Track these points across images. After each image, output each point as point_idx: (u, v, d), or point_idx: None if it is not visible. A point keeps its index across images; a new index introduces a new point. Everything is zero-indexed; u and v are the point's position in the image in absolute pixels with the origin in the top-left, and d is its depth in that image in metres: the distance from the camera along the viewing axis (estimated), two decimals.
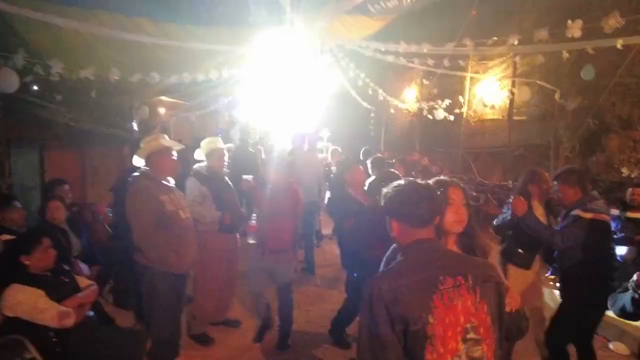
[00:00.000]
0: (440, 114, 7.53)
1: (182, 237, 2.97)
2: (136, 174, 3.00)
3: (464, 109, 7.93)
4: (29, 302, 2.25)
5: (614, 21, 2.90)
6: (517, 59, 6.38)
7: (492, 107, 7.27)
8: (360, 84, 7.92)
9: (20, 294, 2.25)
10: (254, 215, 3.69)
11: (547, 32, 3.42)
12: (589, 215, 2.63)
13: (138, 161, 2.99)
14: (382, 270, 1.54)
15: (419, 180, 1.51)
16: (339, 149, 7.88)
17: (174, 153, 3.05)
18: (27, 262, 2.35)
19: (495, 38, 4.00)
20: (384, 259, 1.72)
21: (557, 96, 5.46)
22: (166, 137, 3.08)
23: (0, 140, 5.08)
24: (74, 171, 6.87)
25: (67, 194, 4.27)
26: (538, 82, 5.78)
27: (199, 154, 3.68)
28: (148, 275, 2.88)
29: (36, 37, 3.98)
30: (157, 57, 4.73)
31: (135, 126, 7.66)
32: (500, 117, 7.40)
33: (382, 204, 1.46)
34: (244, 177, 3.64)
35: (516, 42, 3.75)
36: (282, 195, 3.46)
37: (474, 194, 7.09)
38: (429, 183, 1.52)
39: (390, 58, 6.20)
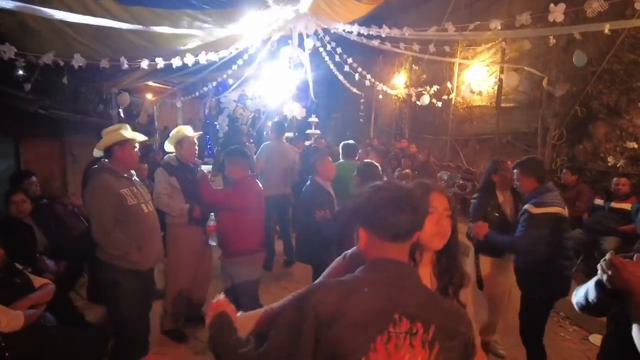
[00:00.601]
0: (425, 100, 7.36)
1: (145, 232, 2.85)
2: (95, 166, 2.86)
3: (452, 96, 7.78)
4: None
5: (597, 4, 2.77)
6: (505, 44, 6.25)
7: (480, 93, 7.12)
8: (347, 69, 7.74)
9: None
10: (212, 213, 3.57)
11: (529, 16, 3.28)
12: (538, 211, 2.62)
13: (97, 152, 2.86)
14: (332, 279, 1.21)
15: (402, 183, 1.27)
16: (319, 134, 7.72)
17: (136, 145, 2.92)
18: None
19: (478, 22, 3.84)
20: (338, 259, 1.49)
21: (544, 83, 5.32)
22: (128, 127, 2.94)
23: None
24: (54, 161, 6.70)
25: (34, 186, 4.13)
26: (526, 68, 5.63)
27: (167, 145, 3.54)
28: (110, 272, 2.77)
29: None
30: (129, 41, 4.54)
31: (118, 113, 7.48)
32: (489, 104, 7.27)
33: (352, 206, 1.22)
34: (201, 167, 3.46)
35: (499, 27, 3.59)
36: (242, 189, 3.27)
37: (461, 181, 7.01)
38: (413, 188, 1.23)
39: (375, 43, 6.02)
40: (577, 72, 5.29)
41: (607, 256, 1.37)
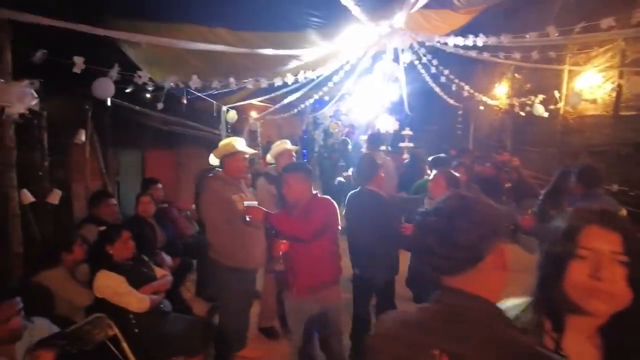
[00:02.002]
0: (538, 109, 6.88)
1: (252, 235, 3.13)
2: (211, 174, 3.25)
3: (561, 105, 7.15)
4: (112, 286, 2.57)
5: None
6: (625, 45, 5.61)
7: (594, 101, 6.42)
8: (443, 80, 7.59)
9: (106, 279, 2.58)
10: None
11: None
12: None
13: (213, 160, 3.25)
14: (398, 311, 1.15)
15: (484, 200, 1.01)
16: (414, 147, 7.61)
17: (246, 156, 3.25)
18: (110, 252, 2.68)
19: (584, 23, 3.54)
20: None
21: None
22: (240, 140, 3.28)
23: (111, 143, 5.80)
24: (169, 170, 7.63)
25: (159, 192, 4.75)
26: None
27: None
28: (219, 270, 3.10)
29: (134, 51, 4.51)
30: (236, 64, 5.04)
31: (227, 128, 8.27)
32: (604, 112, 6.52)
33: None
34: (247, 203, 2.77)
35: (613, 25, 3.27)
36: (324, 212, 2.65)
37: None
38: (481, 201, 0.98)
39: (473, 53, 5.84)
40: None
41: None
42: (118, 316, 2.54)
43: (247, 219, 2.68)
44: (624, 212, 3.20)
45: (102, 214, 3.66)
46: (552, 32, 3.65)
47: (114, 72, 3.45)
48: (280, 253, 2.55)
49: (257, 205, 2.69)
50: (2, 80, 2.69)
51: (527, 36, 3.97)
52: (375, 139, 5.79)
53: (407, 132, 9.18)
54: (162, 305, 2.84)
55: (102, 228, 3.22)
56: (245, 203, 2.73)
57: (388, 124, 7.26)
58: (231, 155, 3.15)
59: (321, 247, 2.57)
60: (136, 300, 2.59)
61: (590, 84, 6.60)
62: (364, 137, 9.38)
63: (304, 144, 14.60)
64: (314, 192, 2.75)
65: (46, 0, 3.33)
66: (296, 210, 2.66)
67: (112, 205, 3.78)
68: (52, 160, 4.24)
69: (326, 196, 2.83)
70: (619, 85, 5.96)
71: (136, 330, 2.61)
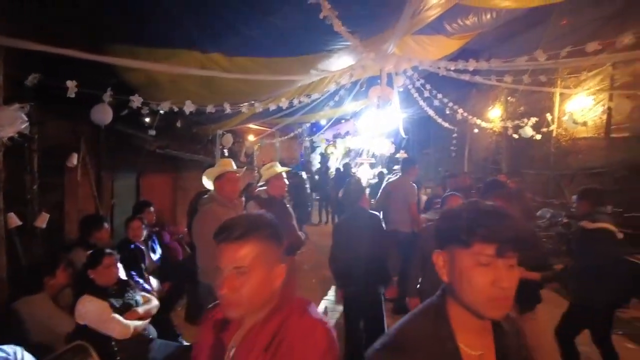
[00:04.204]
0: (528, 132, 6.95)
1: None
2: (205, 196, 3.24)
3: (553, 127, 7.21)
4: (94, 312, 2.51)
5: None
6: (613, 69, 5.71)
7: (585, 124, 6.49)
8: (437, 104, 7.66)
9: (89, 304, 2.52)
10: None
11: (632, 36, 3.01)
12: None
13: (207, 183, 3.24)
14: None
15: None
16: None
17: (237, 176, 3.24)
18: (92, 276, 2.63)
19: (570, 47, 3.60)
20: None
21: None
22: (231, 162, 3.29)
23: (106, 167, 5.80)
24: (165, 193, 7.60)
25: (151, 215, 4.72)
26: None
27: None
28: (211, 296, 3.03)
29: (131, 75, 4.56)
30: (232, 88, 5.09)
31: (222, 152, 8.30)
32: (596, 134, 6.58)
33: None
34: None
35: (598, 49, 3.35)
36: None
37: (565, 220, 6.35)
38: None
39: (465, 77, 5.92)
40: None
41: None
42: (100, 343, 2.47)
43: None
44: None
45: (93, 238, 3.61)
46: (540, 56, 3.70)
47: (107, 95, 3.46)
48: None
49: None
50: None
51: (516, 60, 4.01)
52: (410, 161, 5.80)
53: (402, 154, 9.23)
54: (146, 332, 2.77)
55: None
56: None
57: (383, 147, 7.29)
58: (222, 176, 3.15)
59: None
60: (119, 327, 2.52)
61: (581, 107, 6.69)
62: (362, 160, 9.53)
63: (302, 167, 14.70)
64: None
65: (42, 25, 3.40)
66: None
67: (104, 229, 3.74)
68: (43, 183, 4.22)
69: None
70: (609, 108, 6.04)
71: (118, 358, 2.53)
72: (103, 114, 4.00)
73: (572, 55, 3.59)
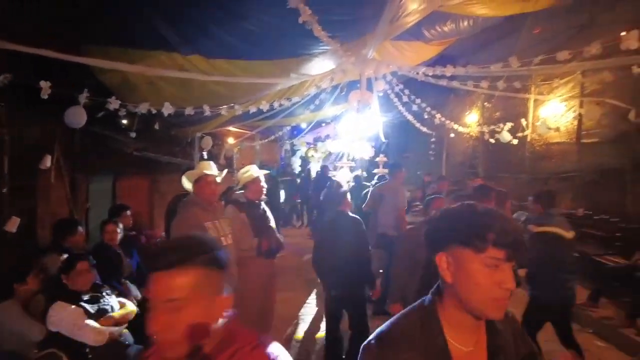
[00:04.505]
0: (506, 137, 7.14)
1: None
2: (185, 199, 3.19)
3: (527, 132, 7.42)
4: (68, 319, 2.44)
5: None
6: (583, 77, 5.92)
7: (557, 129, 6.71)
8: (415, 108, 7.77)
9: (61, 311, 2.45)
10: None
11: (599, 46, 3.14)
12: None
13: (187, 185, 3.20)
14: None
15: None
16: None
17: (216, 179, 3.21)
18: (65, 282, 2.56)
19: (543, 56, 3.73)
20: None
21: (631, 115, 4.90)
22: (210, 164, 3.26)
23: (81, 169, 5.66)
24: (143, 197, 7.47)
25: (128, 219, 4.63)
26: (608, 100, 5.25)
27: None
28: None
29: (107, 77, 4.48)
30: (212, 90, 5.05)
31: (202, 155, 8.21)
32: (568, 140, 6.81)
33: None
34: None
35: (567, 58, 3.47)
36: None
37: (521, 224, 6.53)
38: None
39: (443, 82, 6.04)
40: None
41: None
42: (73, 351, 2.41)
43: None
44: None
45: (67, 242, 3.52)
46: (514, 63, 3.82)
47: (83, 97, 3.39)
48: None
49: None
50: None
51: (492, 67, 4.11)
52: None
53: (382, 159, 9.31)
54: (122, 338, 2.71)
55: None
56: None
57: (364, 151, 7.34)
58: (201, 179, 3.11)
59: None
60: (93, 333, 2.46)
61: (554, 113, 6.91)
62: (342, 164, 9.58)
63: (284, 171, 14.69)
64: None
65: (17, 24, 3.31)
66: None
67: (79, 233, 3.65)
68: (14, 186, 4.09)
69: None
70: (580, 114, 6.26)
71: None
72: (77, 117, 3.92)
73: (544, 62, 3.71)
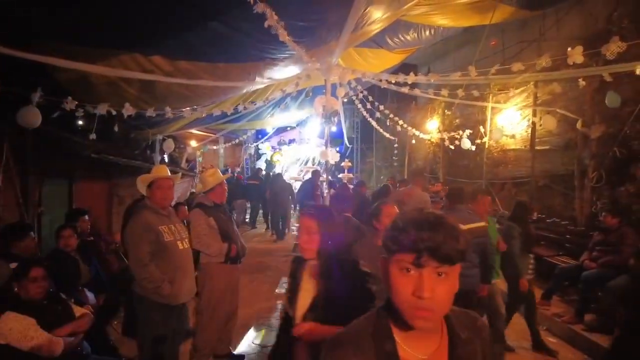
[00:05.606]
0: (466, 143, 7.42)
1: (179, 268, 3.00)
2: (139, 204, 3.10)
3: (485, 139, 7.76)
4: (19, 330, 2.31)
5: (614, 47, 2.81)
6: (535, 88, 6.27)
7: (513, 137, 7.07)
8: (378, 115, 7.94)
9: (12, 321, 2.32)
10: None
11: (549, 59, 3.35)
12: None
13: (141, 189, 3.11)
14: None
15: None
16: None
17: (170, 183, 3.14)
18: (17, 290, 2.43)
19: (499, 66, 3.93)
20: None
21: (578, 125, 5.25)
22: (163, 167, 3.20)
23: (33, 172, 5.37)
24: (101, 201, 7.16)
25: (85, 224, 4.45)
26: (558, 110, 5.59)
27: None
28: (143, 305, 2.91)
29: (64, 76, 4.29)
30: (174, 92, 4.95)
31: (163, 158, 7.99)
32: (523, 147, 7.18)
33: None
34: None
35: (522, 69, 3.67)
36: None
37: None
38: None
39: (405, 89, 6.21)
40: (613, 113, 5.19)
41: None
42: None
43: None
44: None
45: (15, 248, 3.32)
46: (472, 72, 3.99)
47: (36, 96, 3.23)
48: None
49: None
50: None
51: (451, 75, 4.28)
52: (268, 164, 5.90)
53: (347, 163, 9.44)
54: (80, 348, 2.60)
55: (14, 265, 2.93)
56: None
57: (329, 156, 7.40)
58: (154, 183, 3.05)
59: None
60: (47, 344, 2.33)
61: (510, 121, 7.26)
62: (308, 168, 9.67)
63: (254, 176, 14.55)
64: None
65: None
66: None
67: (29, 239, 3.45)
68: None
69: None
70: (533, 123, 6.61)
71: None
72: (31, 117, 3.73)
73: (500, 72, 3.90)
